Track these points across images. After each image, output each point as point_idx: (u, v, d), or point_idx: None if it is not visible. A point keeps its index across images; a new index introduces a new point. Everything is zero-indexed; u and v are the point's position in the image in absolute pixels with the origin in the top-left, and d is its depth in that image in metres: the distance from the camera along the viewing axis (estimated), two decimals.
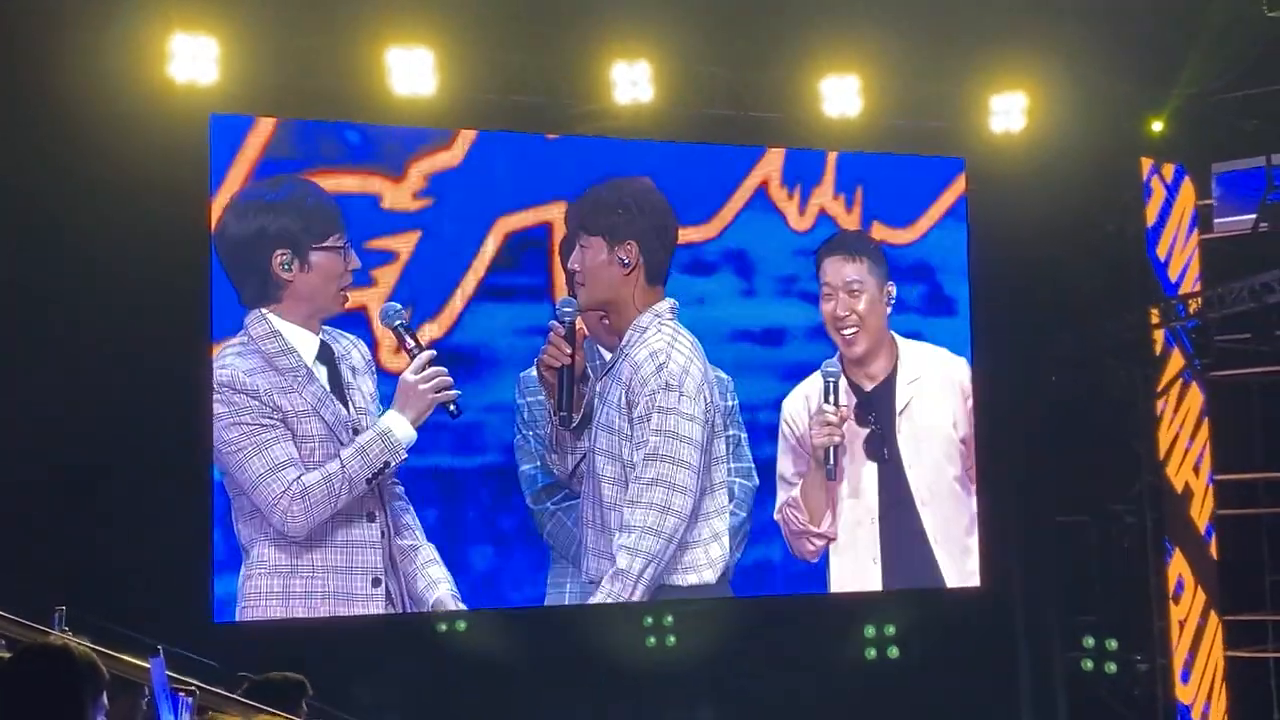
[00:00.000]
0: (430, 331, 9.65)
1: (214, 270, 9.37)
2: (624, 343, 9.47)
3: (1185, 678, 12.20)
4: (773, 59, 11.09)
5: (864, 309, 10.51)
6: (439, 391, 9.07)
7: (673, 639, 10.79)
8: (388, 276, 9.53)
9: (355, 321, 9.47)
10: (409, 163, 9.73)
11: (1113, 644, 12.05)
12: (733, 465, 10.08)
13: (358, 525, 9.10)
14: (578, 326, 9.39)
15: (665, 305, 9.58)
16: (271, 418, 8.99)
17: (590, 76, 10.59)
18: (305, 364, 9.11)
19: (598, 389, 9.48)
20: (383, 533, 9.17)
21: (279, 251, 9.13)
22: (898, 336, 10.86)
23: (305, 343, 9.15)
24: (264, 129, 9.54)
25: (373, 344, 9.49)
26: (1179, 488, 12.36)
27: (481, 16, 10.14)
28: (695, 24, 10.64)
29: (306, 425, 9.02)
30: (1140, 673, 12.17)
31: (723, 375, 10.15)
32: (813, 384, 10.44)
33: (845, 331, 10.50)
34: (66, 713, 3.34)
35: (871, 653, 11.56)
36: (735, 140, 11.00)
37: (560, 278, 9.96)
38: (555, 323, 9.44)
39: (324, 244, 9.16)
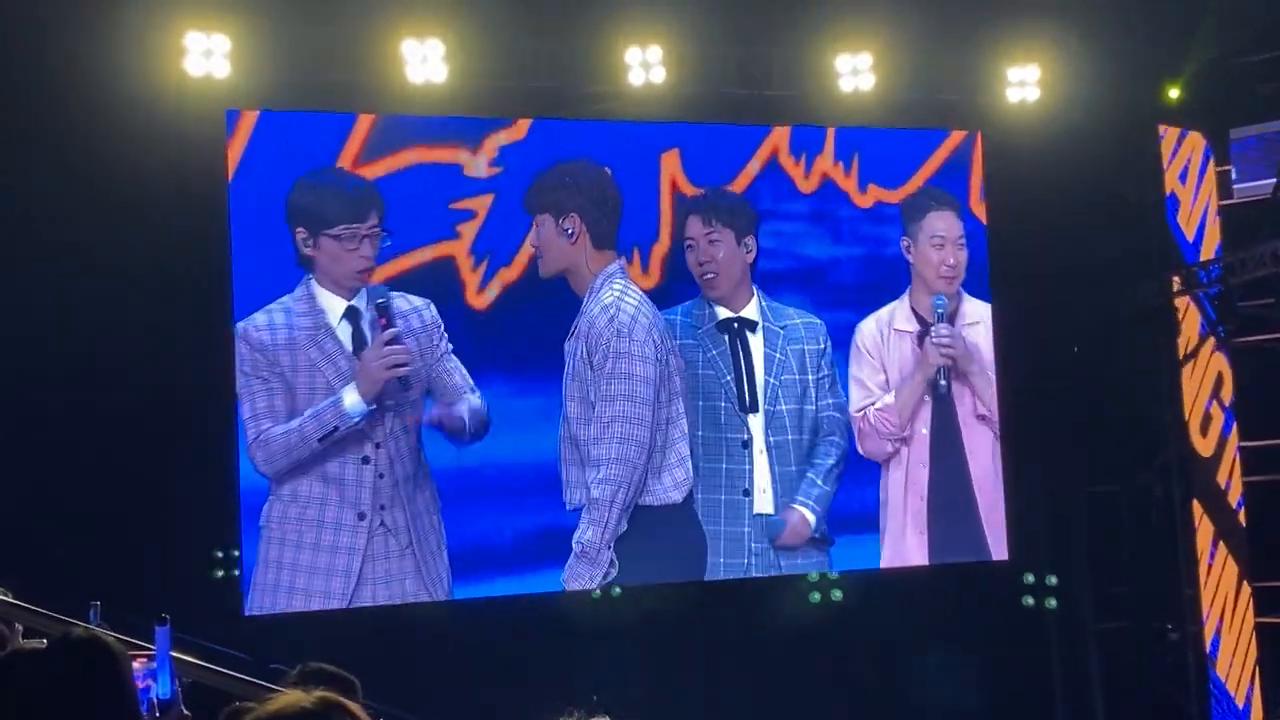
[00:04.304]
0: (506, 275, 10.65)
1: (234, 257, 9.89)
2: (582, 305, 10.56)
3: (1216, 645, 12.20)
4: (786, 38, 11.10)
5: (964, 258, 11.68)
6: (389, 369, 9.94)
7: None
8: (469, 230, 10.62)
9: (441, 268, 10.47)
10: (484, 138, 10.72)
11: (1052, 580, 12.02)
12: (830, 401, 11.28)
13: (351, 466, 10.04)
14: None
15: (614, 266, 10.67)
16: (268, 370, 9.95)
17: (604, 61, 10.63)
18: (327, 324, 10.04)
19: (566, 348, 10.54)
20: (381, 474, 10.11)
21: (299, 229, 10.05)
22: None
23: (333, 306, 10.09)
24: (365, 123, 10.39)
25: (460, 287, 10.49)
26: (1205, 455, 12.33)
27: (492, 5, 10.20)
28: (707, 5, 10.67)
29: (304, 379, 9.97)
30: (1172, 642, 12.15)
31: (814, 319, 11.29)
32: (886, 310, 11.54)
33: (951, 279, 11.56)
34: (114, 700, 3.37)
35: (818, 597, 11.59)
36: (751, 120, 11.23)
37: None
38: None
39: (330, 231, 10.04)
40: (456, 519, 10.39)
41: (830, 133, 11.52)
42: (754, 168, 11.34)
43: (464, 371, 10.35)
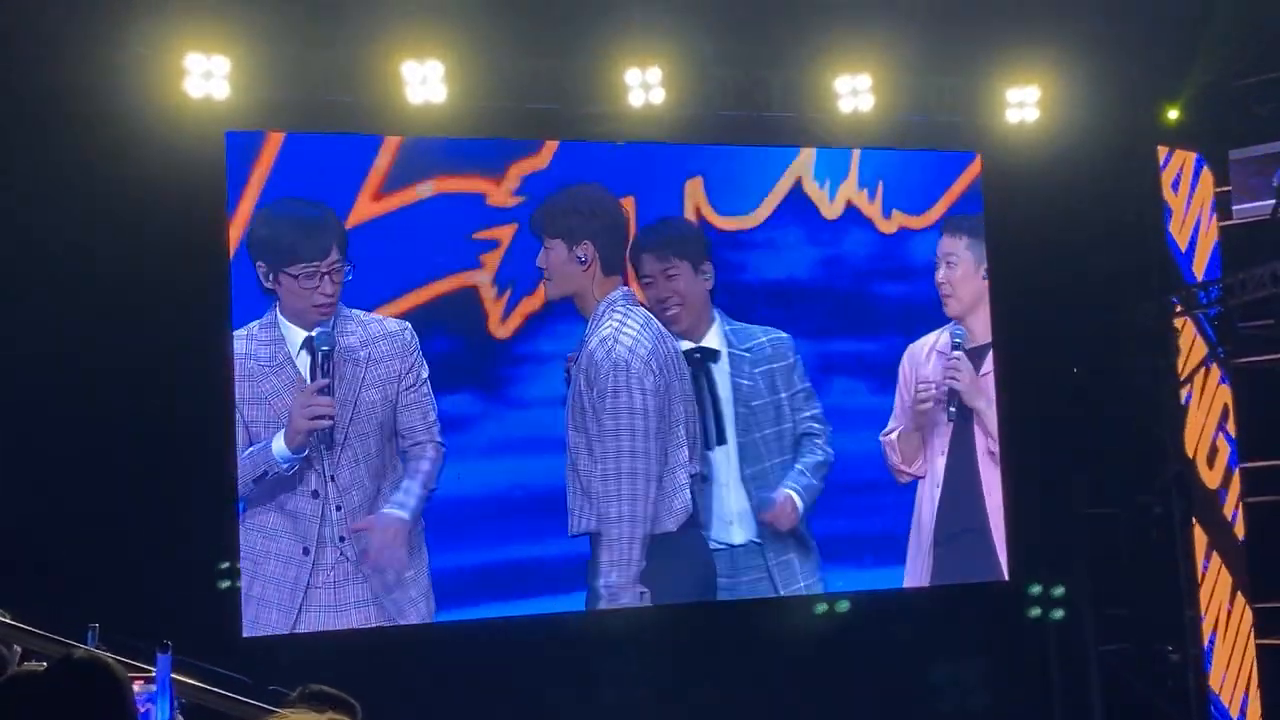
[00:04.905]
0: (529, 304, 10.69)
1: (233, 283, 9.85)
2: (585, 332, 10.59)
3: (1209, 657, 12.17)
4: (786, 59, 11.12)
5: (957, 277, 11.73)
6: (310, 420, 9.88)
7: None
8: (492, 261, 10.67)
9: (464, 297, 10.53)
10: (508, 166, 10.76)
11: (1058, 590, 11.99)
12: (808, 413, 11.27)
13: (303, 500, 10.00)
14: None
15: (618, 293, 10.69)
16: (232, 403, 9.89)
17: (603, 81, 10.65)
18: (286, 354, 9.96)
19: (570, 373, 10.59)
20: (338, 506, 10.01)
21: (259, 263, 9.94)
22: None
23: (294, 337, 9.99)
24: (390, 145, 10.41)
25: (483, 317, 10.54)
26: (1205, 476, 12.32)
27: (492, 26, 10.21)
28: (706, 26, 10.70)
29: (253, 411, 9.87)
30: (1172, 663, 12.12)
31: (781, 334, 11.24)
32: (936, 332, 11.69)
33: (946, 297, 11.75)
34: None
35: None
36: (750, 140, 11.24)
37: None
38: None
39: (288, 269, 9.91)
40: (477, 543, 10.39)
41: (855, 159, 11.55)
42: (778, 194, 11.37)
43: (427, 412, 10.22)
